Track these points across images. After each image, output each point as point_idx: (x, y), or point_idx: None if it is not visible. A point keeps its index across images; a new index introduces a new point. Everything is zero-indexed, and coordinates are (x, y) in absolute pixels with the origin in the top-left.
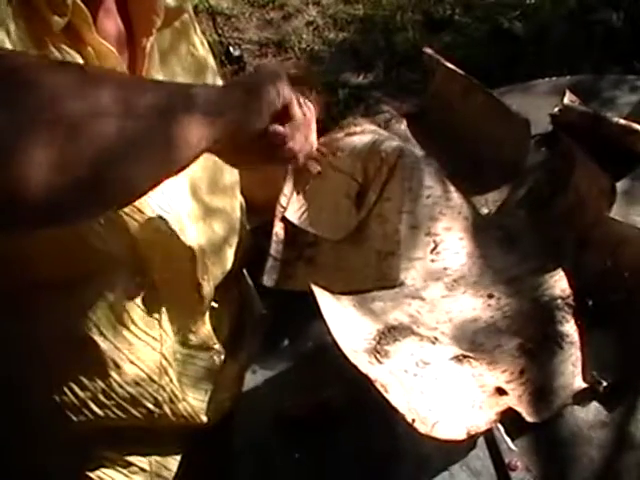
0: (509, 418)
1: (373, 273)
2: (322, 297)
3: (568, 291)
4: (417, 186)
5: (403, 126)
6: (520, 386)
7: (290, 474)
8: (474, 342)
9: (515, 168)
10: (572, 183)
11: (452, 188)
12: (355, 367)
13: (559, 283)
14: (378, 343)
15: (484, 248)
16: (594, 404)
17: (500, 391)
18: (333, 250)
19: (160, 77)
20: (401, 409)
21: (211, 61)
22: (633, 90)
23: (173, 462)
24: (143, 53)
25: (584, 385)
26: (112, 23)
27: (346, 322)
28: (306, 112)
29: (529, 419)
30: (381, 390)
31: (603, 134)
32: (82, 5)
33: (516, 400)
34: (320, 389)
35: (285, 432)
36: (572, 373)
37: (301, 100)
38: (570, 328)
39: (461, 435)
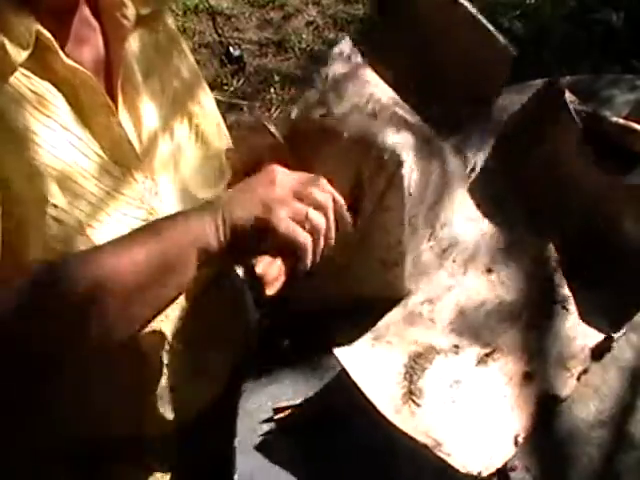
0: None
1: (378, 283)
2: (344, 356)
3: (555, 255)
4: (418, 189)
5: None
6: (542, 364)
7: (290, 474)
8: (489, 330)
9: (490, 93)
10: (550, 134)
11: (447, 159)
12: (405, 434)
13: (549, 246)
14: (410, 382)
15: (474, 217)
16: (593, 404)
17: (527, 376)
18: (333, 259)
19: (142, 95)
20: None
21: (200, 84)
22: (632, 89)
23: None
24: (119, 65)
25: (597, 340)
26: (87, 42)
27: (373, 374)
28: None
29: (562, 395)
30: (440, 454)
31: (602, 133)
32: (46, 33)
33: (541, 380)
34: (320, 389)
35: (285, 432)
36: (584, 333)
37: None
38: (567, 290)
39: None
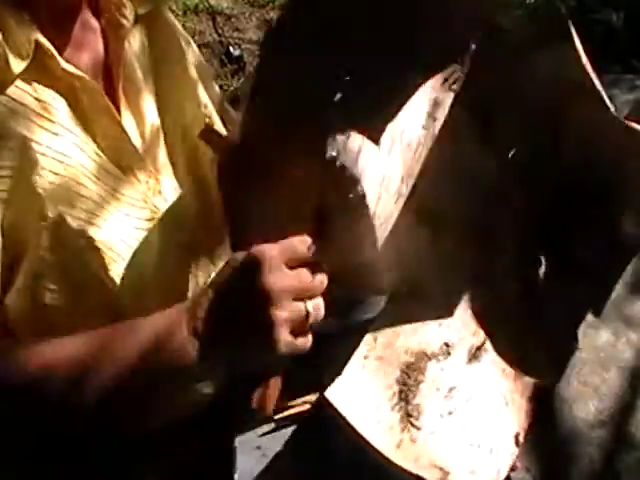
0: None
1: (357, 281)
2: (336, 397)
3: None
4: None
5: None
6: (531, 350)
7: (290, 474)
8: (479, 309)
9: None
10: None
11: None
12: (411, 473)
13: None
14: (406, 402)
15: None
16: (593, 404)
17: (519, 365)
18: None
19: (144, 94)
20: None
21: (204, 80)
22: (632, 89)
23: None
24: (119, 65)
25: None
26: (87, 45)
27: (367, 404)
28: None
29: (554, 381)
30: None
31: None
32: (46, 42)
33: (533, 368)
34: (319, 388)
35: (285, 432)
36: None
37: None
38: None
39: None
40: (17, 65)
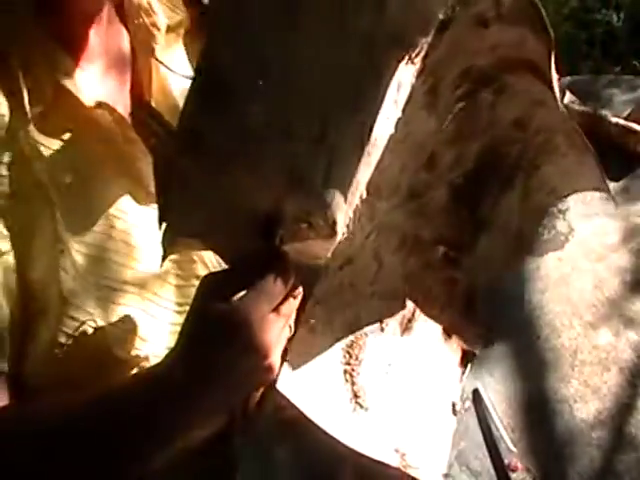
0: (510, 416)
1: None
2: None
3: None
4: None
5: None
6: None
7: (290, 474)
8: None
9: None
10: None
11: None
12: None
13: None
14: (352, 383)
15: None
16: (593, 404)
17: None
18: None
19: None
20: None
21: None
22: (632, 89)
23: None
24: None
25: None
26: (113, 62)
27: (319, 388)
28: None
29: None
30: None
31: (602, 134)
32: (67, 84)
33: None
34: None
35: (284, 431)
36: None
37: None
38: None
39: None
40: (35, 109)
